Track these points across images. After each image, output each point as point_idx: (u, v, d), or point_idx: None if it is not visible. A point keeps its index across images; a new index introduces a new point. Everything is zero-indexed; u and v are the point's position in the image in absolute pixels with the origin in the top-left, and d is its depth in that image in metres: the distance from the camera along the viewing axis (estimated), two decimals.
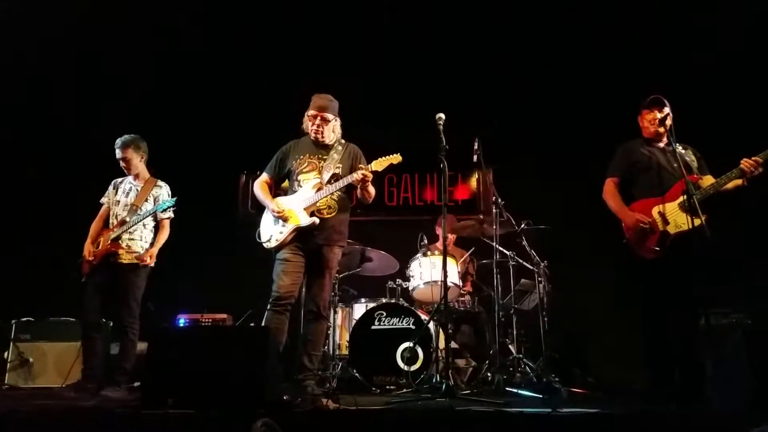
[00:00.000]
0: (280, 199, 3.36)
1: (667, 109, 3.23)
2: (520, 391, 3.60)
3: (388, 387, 3.89)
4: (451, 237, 5.01)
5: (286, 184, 3.49)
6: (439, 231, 4.83)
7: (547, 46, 5.42)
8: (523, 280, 4.61)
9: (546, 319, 4.23)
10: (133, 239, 3.74)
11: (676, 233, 3.02)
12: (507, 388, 3.71)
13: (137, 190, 3.88)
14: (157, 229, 3.89)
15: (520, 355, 4.10)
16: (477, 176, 6.08)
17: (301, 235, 3.23)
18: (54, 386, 4.16)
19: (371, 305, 4.31)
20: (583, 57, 5.41)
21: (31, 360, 4.39)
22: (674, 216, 3.05)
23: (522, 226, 4.35)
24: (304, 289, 3.37)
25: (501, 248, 4.36)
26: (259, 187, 3.42)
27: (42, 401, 3.08)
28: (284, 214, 3.23)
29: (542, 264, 4.34)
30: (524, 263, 4.45)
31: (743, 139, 3.33)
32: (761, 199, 3.70)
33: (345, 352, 4.35)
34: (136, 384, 3.56)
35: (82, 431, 2.24)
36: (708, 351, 2.98)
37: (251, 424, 1.90)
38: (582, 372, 4.48)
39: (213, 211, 5.54)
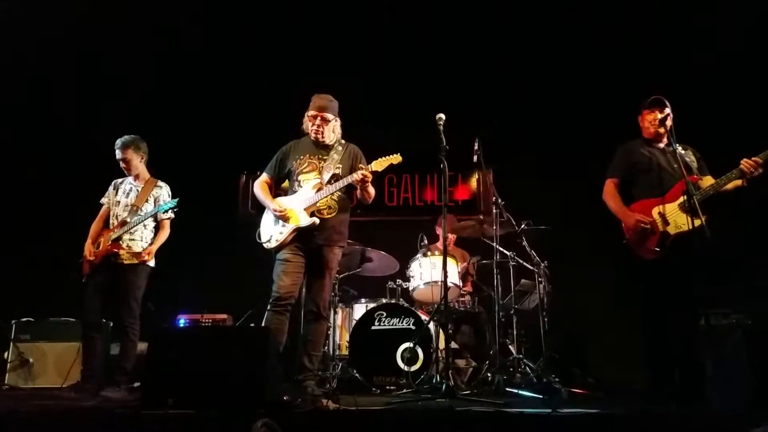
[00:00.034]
0: (280, 200, 3.36)
1: (667, 110, 3.23)
2: (520, 392, 3.60)
3: (388, 387, 3.89)
4: (451, 237, 5.01)
5: (286, 184, 3.49)
6: (439, 231, 4.83)
7: (547, 46, 5.42)
8: (523, 281, 4.61)
9: (546, 319, 4.23)
10: (133, 239, 3.74)
11: (676, 234, 3.02)
12: (507, 389, 3.71)
13: (137, 190, 3.88)
14: (157, 229, 3.89)
15: (521, 356, 4.10)
16: (477, 176, 6.08)
17: (301, 235, 3.23)
18: (54, 386, 4.16)
19: (371, 305, 4.31)
20: (583, 57, 5.41)
21: (31, 360, 4.38)
22: (674, 216, 3.05)
23: (522, 226, 4.35)
24: (304, 290, 3.36)
25: (501, 248, 4.36)
26: (260, 188, 3.42)
27: (42, 401, 3.08)
28: (285, 213, 3.23)
29: (542, 264, 4.34)
30: (524, 263, 4.45)
31: (743, 140, 3.33)
32: (761, 200, 3.70)
33: (345, 352, 4.35)
34: (136, 384, 3.55)
35: (82, 431, 2.24)
36: (708, 351, 2.98)
37: (251, 425, 1.90)
38: (582, 372, 4.48)
39: (213, 211, 5.54)
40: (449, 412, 2.52)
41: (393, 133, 5.34)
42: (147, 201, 3.84)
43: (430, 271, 4.30)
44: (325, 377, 3.95)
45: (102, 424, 2.28)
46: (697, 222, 2.86)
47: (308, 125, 3.42)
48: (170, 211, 3.78)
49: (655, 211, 3.11)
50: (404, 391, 3.73)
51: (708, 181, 3.17)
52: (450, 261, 3.94)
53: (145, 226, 3.80)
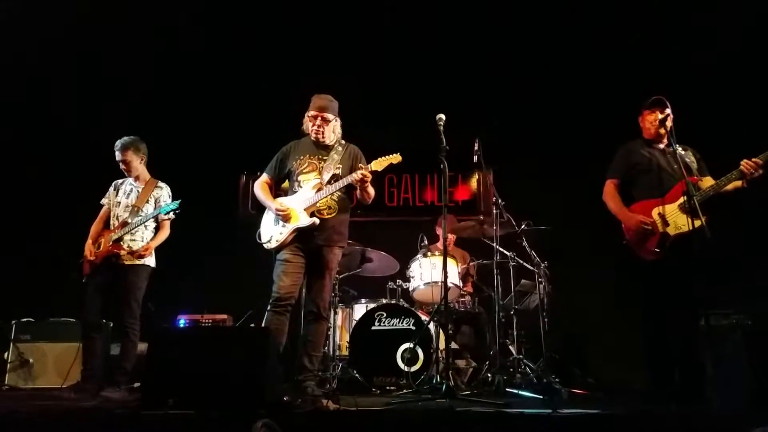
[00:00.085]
0: (281, 200, 3.36)
1: (668, 110, 3.23)
2: (520, 392, 3.60)
3: (388, 388, 3.89)
4: (451, 237, 5.01)
5: (286, 184, 3.49)
6: (440, 231, 4.83)
7: (547, 46, 5.42)
8: (523, 281, 4.61)
9: (546, 319, 4.23)
10: (134, 240, 3.74)
11: (676, 234, 3.02)
12: (507, 389, 3.71)
13: (138, 191, 3.88)
14: (158, 229, 3.88)
15: (521, 356, 4.10)
16: (477, 177, 6.08)
17: (301, 235, 3.23)
18: (54, 387, 4.16)
19: (371, 306, 4.31)
20: (583, 57, 5.41)
21: (31, 361, 4.38)
22: (674, 217, 3.05)
23: (522, 226, 4.35)
24: (304, 290, 3.36)
25: (501, 249, 4.36)
26: (260, 188, 3.42)
27: (42, 402, 3.08)
28: (287, 213, 3.23)
29: (542, 265, 4.34)
30: (524, 264, 4.45)
31: (743, 140, 3.33)
32: (761, 200, 3.70)
33: (345, 352, 4.35)
34: (137, 384, 3.55)
35: (82, 431, 2.24)
36: (708, 351, 2.98)
37: (251, 425, 1.90)
38: (582, 372, 4.48)
39: (213, 211, 5.54)
40: (449, 412, 2.52)
41: (393, 133, 5.34)
42: (148, 202, 3.84)
43: (430, 272, 4.30)
44: (325, 378, 3.95)
45: (102, 425, 2.29)
46: (698, 223, 2.86)
47: (308, 125, 3.42)
48: (172, 212, 3.77)
49: (655, 212, 3.11)
50: (404, 391, 3.73)
51: (708, 181, 3.17)
52: (450, 261, 3.94)
53: (146, 226, 3.80)
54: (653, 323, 3.13)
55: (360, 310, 4.44)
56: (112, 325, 4.24)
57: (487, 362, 4.21)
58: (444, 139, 3.28)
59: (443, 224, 3.34)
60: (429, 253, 4.43)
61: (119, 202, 3.87)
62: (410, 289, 4.46)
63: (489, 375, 4.09)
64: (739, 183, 3.06)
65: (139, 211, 3.79)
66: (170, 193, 3.96)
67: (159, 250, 3.88)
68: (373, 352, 4.03)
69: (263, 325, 3.13)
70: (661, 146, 3.29)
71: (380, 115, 5.61)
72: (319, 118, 3.36)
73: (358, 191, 3.34)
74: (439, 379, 3.74)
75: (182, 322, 4.88)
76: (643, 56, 5.24)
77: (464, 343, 4.68)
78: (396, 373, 3.95)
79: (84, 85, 5.54)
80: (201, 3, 5.33)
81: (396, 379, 3.93)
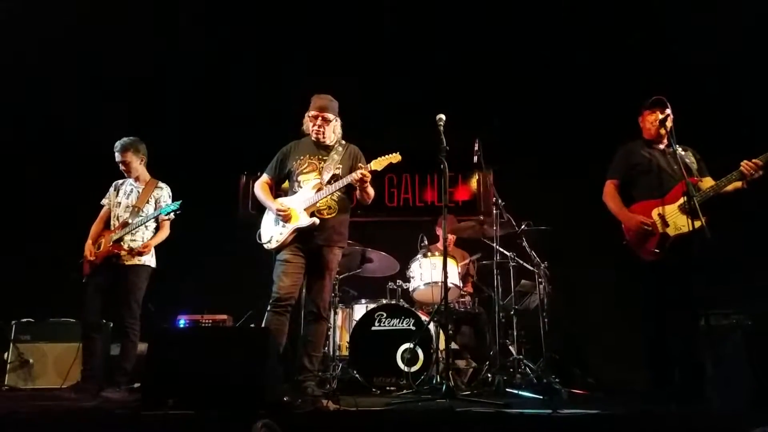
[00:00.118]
0: (281, 200, 3.36)
1: (668, 111, 3.23)
2: (520, 392, 3.60)
3: (388, 388, 3.89)
4: (451, 238, 5.01)
5: (286, 185, 3.49)
6: (440, 232, 4.84)
7: (547, 46, 5.42)
8: (523, 281, 4.61)
9: (546, 319, 4.23)
10: (134, 240, 3.74)
11: (675, 235, 3.02)
12: (507, 389, 3.71)
13: (138, 191, 3.88)
14: (158, 229, 3.88)
15: (521, 356, 4.10)
16: (477, 177, 6.07)
17: (301, 235, 3.23)
18: (54, 387, 4.16)
19: (371, 306, 4.31)
20: (583, 57, 5.41)
21: (31, 361, 4.38)
22: (674, 218, 3.05)
23: (522, 227, 4.35)
24: (304, 290, 3.36)
25: (501, 249, 4.36)
26: (260, 188, 3.42)
27: (42, 402, 3.08)
28: (287, 213, 3.23)
29: (542, 265, 4.34)
30: (524, 264, 4.45)
31: (743, 140, 3.33)
32: (761, 201, 3.70)
33: (345, 353, 4.35)
34: (137, 385, 3.55)
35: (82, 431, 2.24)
36: (708, 351, 2.99)
37: (251, 425, 1.91)
38: (582, 373, 4.48)
39: (213, 211, 5.54)
40: (449, 412, 2.52)
41: (393, 133, 5.35)
42: (148, 202, 3.84)
43: (430, 272, 4.30)
44: (325, 378, 3.95)
45: (102, 425, 2.29)
46: (697, 223, 2.86)
47: (309, 126, 3.42)
48: (172, 212, 3.77)
49: (654, 213, 3.11)
50: (404, 391, 3.73)
51: (708, 182, 3.16)
52: (450, 262, 3.94)
53: (146, 227, 3.80)
54: (653, 323, 3.13)
55: (360, 310, 4.44)
56: (112, 325, 4.24)
57: (487, 362, 4.21)
58: (444, 140, 3.28)
59: (443, 225, 3.34)
60: (429, 254, 4.43)
61: (119, 203, 3.86)
62: (410, 289, 4.46)
63: (489, 375, 4.08)
64: (739, 184, 3.06)
65: (139, 212, 3.78)
66: (170, 194, 3.96)
67: (159, 251, 3.88)
68: (373, 353, 4.03)
69: (263, 325, 3.13)
70: (661, 147, 3.29)
71: (380, 115, 5.60)
72: (320, 118, 3.36)
73: (357, 191, 3.34)
74: (439, 380, 3.74)
75: (182, 322, 4.88)
76: (643, 56, 5.24)
77: (464, 343, 4.68)
78: (396, 373, 3.95)
79: (84, 85, 5.54)
80: (201, 3, 5.33)
81: (396, 379, 3.93)
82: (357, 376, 3.97)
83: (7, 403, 3.18)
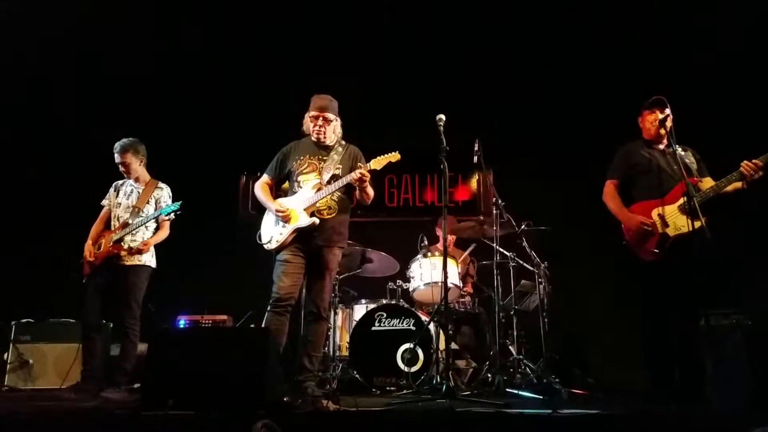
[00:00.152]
0: (281, 200, 3.36)
1: (667, 110, 3.23)
2: (520, 392, 3.60)
3: (388, 388, 3.89)
4: (451, 238, 5.01)
5: (286, 185, 3.49)
6: (440, 232, 4.83)
7: (547, 46, 5.41)
8: (523, 281, 4.61)
9: (546, 320, 4.23)
10: (134, 240, 3.74)
11: (675, 235, 3.02)
12: (507, 389, 3.71)
13: (138, 192, 3.87)
14: (158, 230, 3.88)
15: (521, 356, 4.10)
16: (477, 177, 6.07)
17: (301, 236, 3.23)
18: (54, 388, 4.15)
19: (371, 306, 4.31)
20: (583, 57, 5.41)
21: (30, 361, 4.38)
22: (674, 218, 3.05)
23: (522, 227, 4.35)
24: (304, 291, 3.36)
25: (501, 249, 4.36)
26: (260, 189, 3.43)
27: (42, 403, 3.08)
28: (287, 213, 3.23)
29: (542, 265, 4.34)
30: (524, 264, 4.45)
31: (743, 141, 3.33)
32: (761, 201, 3.70)
33: (345, 353, 4.35)
34: (137, 385, 3.55)
35: None
36: (708, 351, 2.99)
37: (251, 425, 1.91)
38: (582, 373, 4.48)
39: (213, 211, 5.54)
40: (449, 412, 2.52)
41: (393, 133, 5.35)
42: (148, 203, 3.83)
43: (430, 272, 4.30)
44: (325, 378, 3.95)
45: (102, 425, 2.29)
46: (697, 224, 2.86)
47: (309, 126, 3.42)
48: (172, 213, 3.77)
49: (654, 213, 3.11)
50: (404, 391, 3.73)
51: (708, 182, 3.16)
52: (450, 262, 3.94)
53: (146, 227, 3.80)
54: (653, 323, 3.13)
55: (360, 310, 4.44)
56: (112, 325, 4.24)
57: (487, 363, 4.21)
58: (444, 140, 3.28)
59: (443, 225, 3.34)
60: (429, 254, 4.43)
61: (119, 203, 3.86)
62: (410, 289, 4.46)
63: (489, 375, 4.08)
64: (739, 184, 3.06)
65: (139, 212, 3.78)
66: (170, 194, 3.95)
67: (159, 251, 3.87)
68: (373, 353, 4.03)
69: (263, 325, 3.13)
70: (661, 147, 3.29)
71: (380, 115, 5.60)
72: (321, 118, 3.37)
73: (357, 192, 3.34)
74: (439, 380, 3.74)
75: (182, 322, 4.88)
76: (643, 56, 5.24)
77: (464, 343, 4.68)
78: (396, 373, 3.95)
79: (84, 85, 5.54)
80: (201, 3, 5.33)
81: (396, 379, 3.93)
82: (357, 376, 3.97)
83: (7, 404, 3.18)
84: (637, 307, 3.24)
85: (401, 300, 4.42)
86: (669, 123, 3.18)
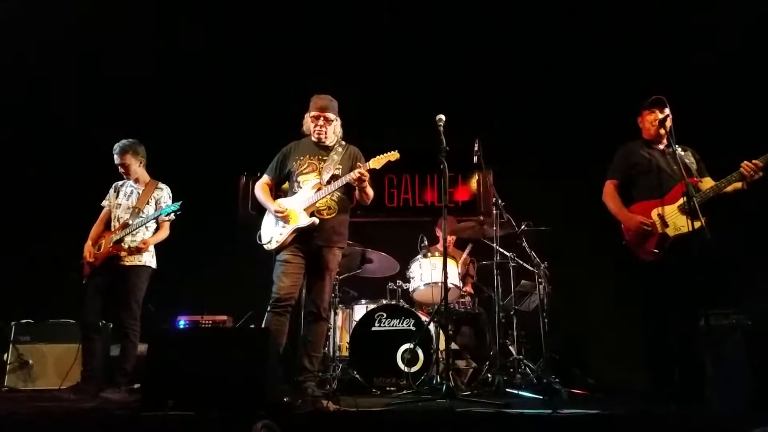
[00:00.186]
0: (281, 201, 3.36)
1: (667, 110, 3.23)
2: (520, 392, 3.60)
3: (388, 388, 3.89)
4: (451, 239, 5.01)
5: (286, 185, 3.49)
6: (440, 233, 4.83)
7: (547, 46, 5.41)
8: (523, 282, 4.62)
9: (546, 320, 4.23)
10: (134, 241, 3.73)
11: (675, 236, 3.02)
12: (507, 389, 3.71)
13: (138, 192, 3.87)
14: (158, 230, 3.88)
15: (521, 356, 4.10)
16: (477, 177, 6.07)
17: (301, 236, 3.23)
18: (54, 388, 4.15)
19: (371, 306, 4.31)
20: (583, 57, 5.40)
21: (30, 362, 4.37)
22: (674, 218, 3.05)
23: (522, 227, 4.35)
24: (304, 291, 3.36)
25: (501, 249, 4.36)
26: (260, 189, 3.43)
27: (42, 403, 3.07)
28: (286, 213, 3.23)
29: (542, 265, 4.34)
30: (524, 264, 4.45)
31: (743, 141, 3.33)
32: (761, 201, 3.70)
33: (345, 353, 4.35)
34: (137, 386, 3.55)
35: None
36: (708, 351, 2.99)
37: (251, 426, 1.90)
38: (582, 373, 4.48)
39: (213, 212, 5.54)
40: (450, 413, 2.52)
41: (393, 133, 5.34)
42: (148, 203, 3.83)
43: (430, 272, 4.30)
44: (325, 378, 3.95)
45: (102, 426, 2.29)
46: (697, 224, 2.86)
47: (310, 126, 3.42)
48: (173, 213, 3.77)
49: (654, 213, 3.11)
50: (404, 392, 3.73)
51: (708, 183, 3.16)
52: (450, 262, 3.94)
53: (146, 227, 3.80)
54: (653, 323, 3.13)
55: (360, 310, 4.45)
56: (112, 326, 4.24)
57: (487, 363, 4.21)
58: (444, 140, 3.28)
59: (443, 225, 3.33)
60: (429, 254, 4.43)
61: (120, 204, 3.86)
62: (410, 289, 4.46)
63: (489, 375, 4.09)
64: (739, 185, 3.06)
65: (140, 213, 3.78)
66: (170, 194, 3.95)
67: (159, 251, 3.87)
68: (374, 353, 4.03)
69: (263, 325, 3.13)
70: (661, 147, 3.29)
71: (380, 115, 5.60)
72: (322, 119, 3.37)
73: (356, 192, 3.34)
74: (439, 380, 3.74)
75: (182, 323, 4.88)
76: (643, 56, 5.24)
77: (464, 343, 4.68)
78: (396, 373, 3.95)
79: (84, 85, 5.53)
80: (201, 3, 5.33)
81: (396, 379, 3.93)
82: (357, 376, 3.97)
83: (7, 404, 3.18)
84: (637, 307, 3.24)
85: (401, 300, 4.42)
86: (669, 123, 3.18)
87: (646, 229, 3.07)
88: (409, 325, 4.13)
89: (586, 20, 5.25)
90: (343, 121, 3.48)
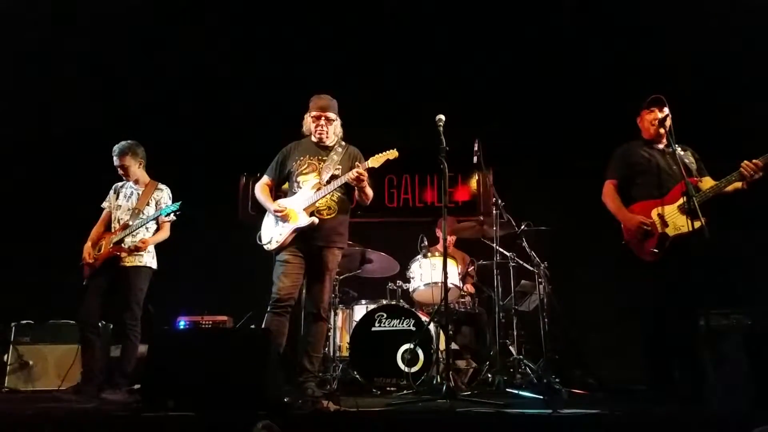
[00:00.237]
0: (280, 201, 3.36)
1: (666, 109, 3.23)
2: (520, 392, 3.59)
3: (388, 388, 3.88)
4: (451, 239, 5.01)
5: (286, 186, 3.49)
6: (440, 233, 4.83)
7: (547, 46, 5.42)
8: (523, 282, 4.61)
9: (546, 320, 4.23)
10: (135, 242, 3.73)
11: (675, 235, 3.02)
12: (507, 389, 3.71)
13: (138, 194, 3.87)
14: (158, 231, 3.88)
15: (521, 356, 4.10)
16: (477, 177, 6.07)
17: (301, 236, 3.23)
18: (54, 389, 4.15)
19: (371, 307, 4.31)
20: (583, 57, 5.40)
21: (30, 363, 4.37)
22: (673, 218, 3.05)
23: (522, 227, 4.35)
24: (304, 291, 3.37)
25: (501, 249, 4.36)
26: (260, 190, 3.43)
27: (42, 404, 3.07)
28: (285, 212, 3.23)
29: (542, 265, 4.34)
30: (524, 264, 4.45)
31: (743, 141, 3.33)
32: (761, 201, 3.70)
33: (345, 353, 4.35)
34: (137, 386, 3.55)
35: None
36: (708, 351, 2.98)
37: (252, 426, 1.91)
38: (582, 373, 4.48)
39: (213, 212, 5.54)
40: (450, 413, 2.52)
41: (393, 133, 5.34)
42: (148, 204, 3.83)
43: (430, 272, 4.30)
44: (325, 378, 3.95)
45: (102, 426, 2.29)
46: (697, 224, 2.86)
47: (311, 126, 3.43)
48: (172, 213, 3.77)
49: (654, 213, 3.11)
50: (405, 392, 3.73)
51: (707, 182, 3.17)
52: (450, 262, 3.94)
53: (147, 228, 3.80)
54: (653, 323, 3.13)
55: (360, 311, 4.44)
56: (112, 327, 4.24)
57: (488, 363, 4.21)
58: (444, 140, 3.28)
59: (443, 226, 3.33)
60: (429, 254, 4.43)
61: (120, 206, 3.86)
62: (410, 289, 4.46)
63: (489, 375, 4.09)
64: (739, 185, 3.06)
65: (140, 214, 3.78)
66: (170, 195, 3.95)
67: (159, 252, 3.87)
68: (374, 353, 4.03)
69: (263, 326, 3.13)
70: (661, 146, 3.29)
71: (380, 115, 5.61)
72: (323, 118, 3.37)
73: (355, 192, 3.34)
74: (439, 380, 3.74)
75: (182, 323, 4.87)
76: (643, 56, 5.24)
77: (464, 343, 4.68)
78: (396, 373, 3.95)
79: (84, 85, 5.54)
80: (202, 3, 5.33)
81: (396, 379, 3.93)
82: (357, 376, 3.97)
83: (7, 406, 3.18)
84: (637, 307, 3.24)
85: (401, 300, 4.42)
86: (668, 122, 3.18)
87: (645, 228, 3.07)
88: (409, 326, 4.13)
89: (587, 20, 5.25)
90: (342, 120, 3.48)
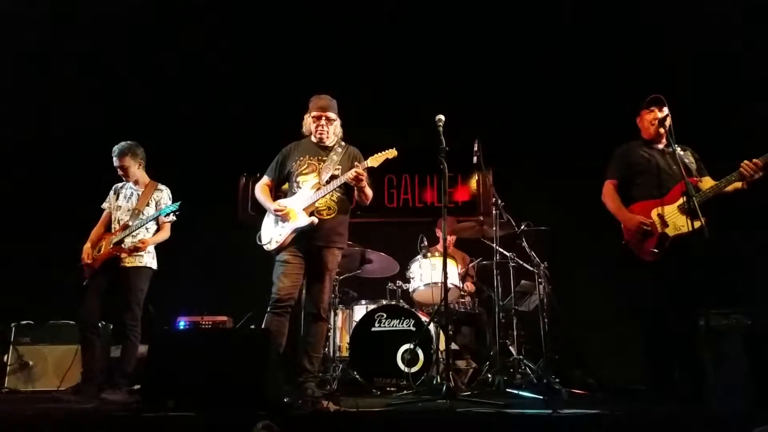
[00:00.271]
0: (280, 201, 3.36)
1: (666, 109, 3.23)
2: (520, 393, 3.60)
3: (388, 389, 3.88)
4: (451, 239, 5.01)
5: (286, 186, 3.49)
6: (440, 233, 4.83)
7: (547, 46, 5.42)
8: (523, 282, 4.61)
9: (546, 320, 4.23)
10: (135, 242, 3.73)
11: (675, 235, 3.02)
12: (507, 390, 3.71)
13: (138, 194, 3.87)
14: (158, 231, 3.88)
15: (521, 356, 4.10)
16: (477, 177, 6.08)
17: (300, 237, 3.23)
18: (54, 389, 4.15)
19: (371, 307, 4.31)
20: (583, 57, 5.41)
21: (30, 363, 4.37)
22: (673, 218, 3.05)
23: (522, 227, 4.35)
24: (304, 291, 3.36)
25: (501, 250, 4.36)
26: (260, 190, 3.43)
27: (42, 404, 3.07)
28: (285, 211, 3.23)
29: (542, 265, 4.34)
30: (524, 264, 4.45)
31: (743, 141, 3.33)
32: (761, 201, 3.70)
33: (345, 354, 4.35)
34: (137, 386, 3.55)
35: None
36: (708, 351, 2.98)
37: (252, 426, 1.91)
38: (582, 373, 4.48)
39: (213, 212, 5.54)
40: (450, 413, 2.52)
41: (393, 133, 5.34)
42: (148, 204, 3.83)
43: (430, 273, 4.30)
44: (325, 379, 3.95)
45: (102, 426, 2.29)
46: (697, 224, 2.86)
47: (311, 127, 3.43)
48: (172, 214, 3.77)
49: (654, 213, 3.11)
50: (405, 392, 3.73)
51: (707, 182, 3.17)
52: (450, 262, 3.94)
53: (147, 229, 3.80)
54: (653, 323, 3.13)
55: (360, 311, 4.45)
56: (112, 327, 4.24)
57: (488, 363, 4.21)
58: (443, 140, 3.28)
59: (443, 226, 3.33)
60: (429, 254, 4.43)
61: (120, 206, 3.86)
62: (410, 290, 4.46)
63: (489, 376, 4.08)
64: (738, 184, 3.06)
65: (140, 214, 3.78)
66: (170, 195, 3.95)
67: (159, 252, 3.87)
68: (374, 353, 4.03)
69: (263, 326, 3.13)
70: (660, 146, 3.29)
71: (380, 114, 5.60)
72: (323, 118, 3.38)
73: (355, 192, 3.34)
74: (439, 380, 3.74)
75: (182, 323, 4.87)
76: (643, 56, 5.24)
77: (464, 343, 4.69)
78: (396, 374, 3.95)
79: (84, 85, 5.54)
80: (201, 3, 5.33)
81: (396, 380, 3.93)
82: (357, 376, 3.97)
83: (7, 406, 3.18)
84: (637, 307, 3.24)
85: (401, 300, 4.42)
86: (668, 122, 3.18)
87: (645, 228, 3.07)
88: (409, 326, 4.13)
89: (586, 20, 5.25)
90: (342, 120, 3.48)
